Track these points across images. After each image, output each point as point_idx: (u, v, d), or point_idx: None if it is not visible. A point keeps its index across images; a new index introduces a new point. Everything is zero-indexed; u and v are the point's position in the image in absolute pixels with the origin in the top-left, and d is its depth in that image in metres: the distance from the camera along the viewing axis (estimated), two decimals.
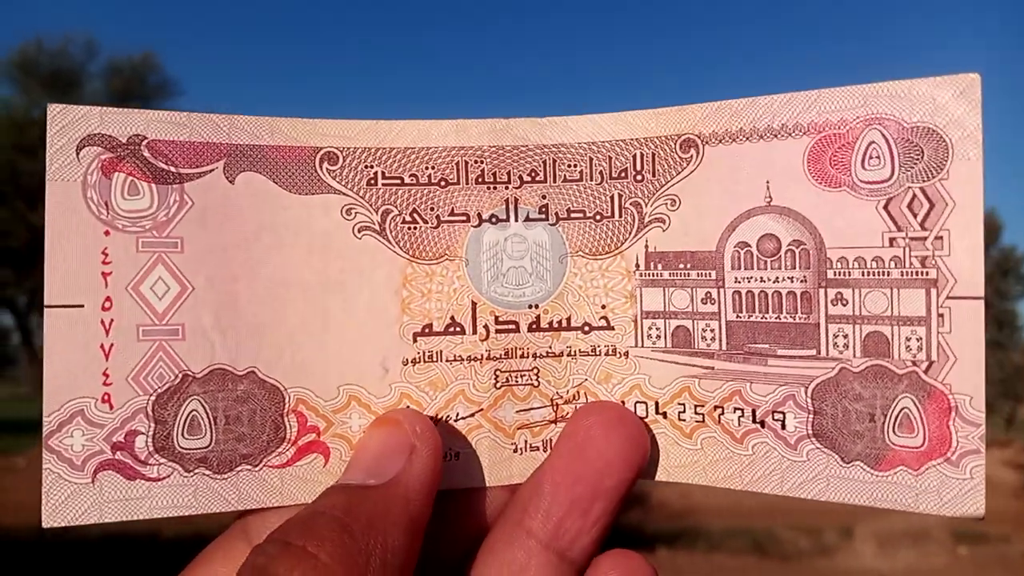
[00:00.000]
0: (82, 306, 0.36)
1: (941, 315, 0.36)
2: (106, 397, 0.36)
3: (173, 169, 0.38)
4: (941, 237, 0.36)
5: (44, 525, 0.36)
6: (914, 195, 0.36)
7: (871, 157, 0.37)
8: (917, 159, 0.36)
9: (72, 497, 0.36)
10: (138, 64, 10.17)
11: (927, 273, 0.36)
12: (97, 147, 0.37)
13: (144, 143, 0.37)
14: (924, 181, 0.36)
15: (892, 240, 0.36)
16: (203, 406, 0.37)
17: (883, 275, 0.37)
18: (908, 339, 0.36)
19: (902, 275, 0.36)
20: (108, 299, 0.37)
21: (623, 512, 0.38)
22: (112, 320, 0.37)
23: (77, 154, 0.37)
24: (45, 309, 0.36)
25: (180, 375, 0.37)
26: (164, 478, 0.37)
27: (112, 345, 0.37)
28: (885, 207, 0.36)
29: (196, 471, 0.37)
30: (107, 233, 0.37)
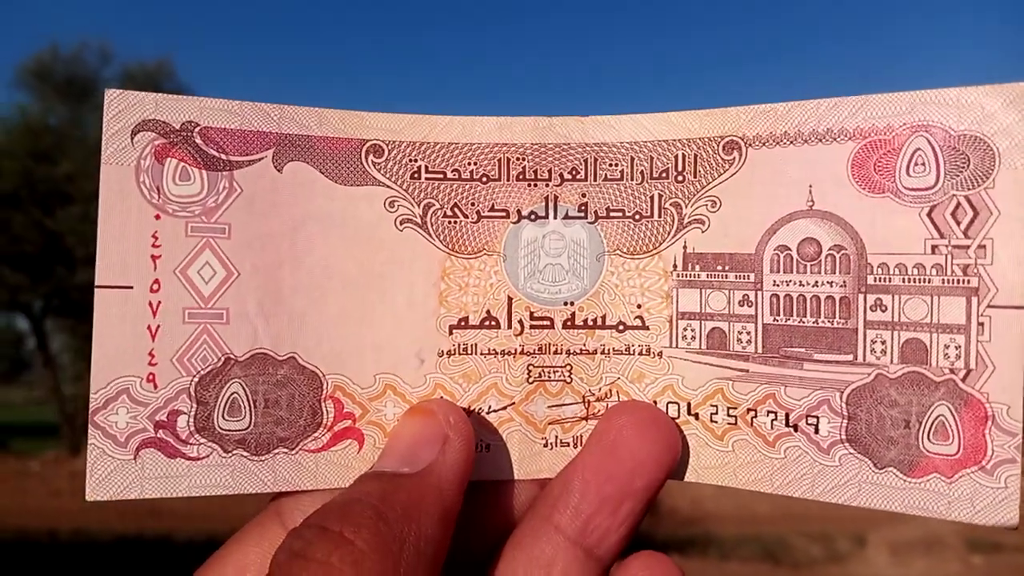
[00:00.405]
0: (131, 287, 0.37)
1: (981, 324, 0.35)
2: (151, 377, 0.37)
3: (224, 156, 0.39)
4: (984, 246, 0.35)
5: (88, 498, 0.37)
6: (958, 203, 0.36)
7: (916, 164, 0.36)
8: (963, 167, 0.36)
9: (115, 472, 0.37)
10: (153, 71, 10.32)
11: (968, 281, 0.36)
12: (151, 132, 0.38)
13: (196, 130, 0.38)
14: (969, 189, 0.35)
15: (934, 247, 0.36)
16: (244, 389, 0.38)
17: (924, 282, 0.37)
18: (947, 347, 0.36)
19: (943, 282, 0.36)
20: (156, 281, 0.38)
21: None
22: (160, 302, 0.38)
23: (132, 139, 0.38)
24: (96, 289, 0.37)
25: (223, 358, 0.38)
26: (203, 458, 0.38)
27: (159, 326, 0.38)
28: (928, 214, 0.36)
29: (234, 452, 0.38)
30: (158, 217, 0.38)
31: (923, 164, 0.36)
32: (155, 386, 0.37)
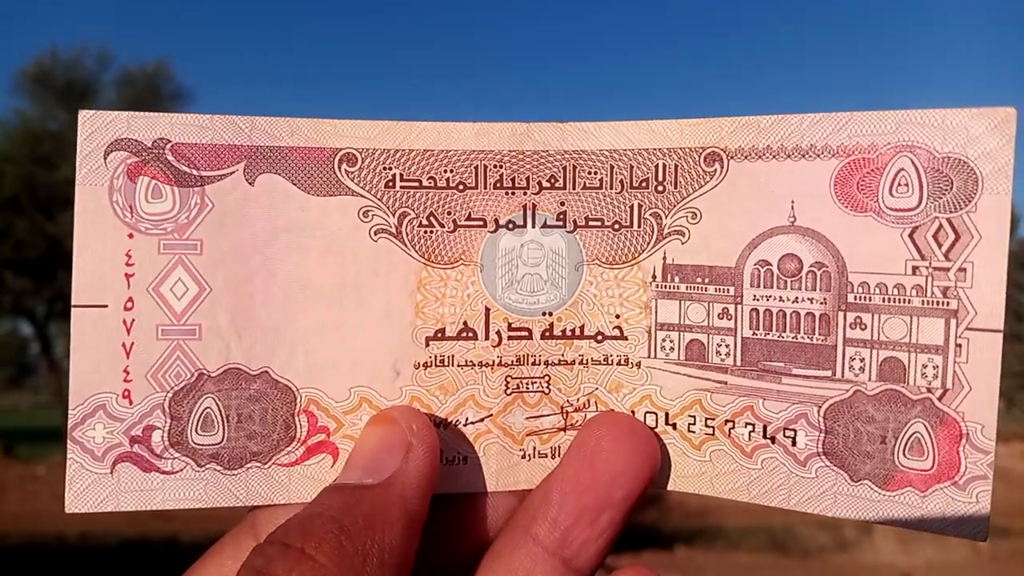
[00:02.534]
0: (106, 306, 0.37)
1: (959, 345, 0.35)
2: (126, 393, 0.38)
3: (195, 172, 0.38)
4: (964, 269, 0.35)
5: (67, 511, 0.38)
6: (940, 225, 0.35)
7: (899, 184, 0.36)
8: (946, 189, 0.35)
9: (93, 486, 0.37)
10: (151, 73, 10.13)
11: (948, 303, 0.36)
12: (124, 151, 0.38)
13: (168, 146, 0.38)
14: (951, 212, 0.35)
15: (915, 268, 0.36)
16: (217, 404, 0.38)
17: (904, 302, 0.36)
18: (924, 366, 0.36)
19: (923, 303, 0.36)
20: (130, 299, 0.38)
21: (640, 511, 0.38)
22: (133, 320, 0.38)
23: (105, 159, 0.38)
24: (72, 309, 0.37)
25: (196, 373, 0.38)
26: (177, 472, 0.38)
27: (133, 344, 0.38)
28: (910, 235, 0.36)
29: (208, 466, 0.38)
30: (131, 236, 0.38)
31: (906, 185, 0.36)
32: (130, 402, 0.38)
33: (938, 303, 0.36)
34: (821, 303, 0.38)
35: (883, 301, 0.37)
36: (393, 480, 0.35)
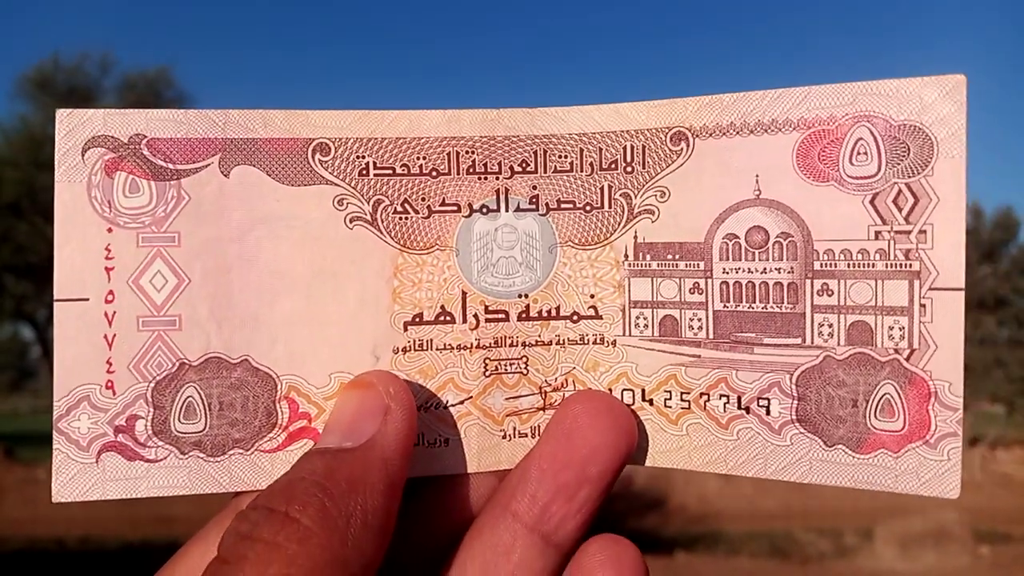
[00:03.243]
0: (87, 299, 0.38)
1: (923, 305, 0.36)
2: (109, 384, 0.38)
3: (171, 166, 0.39)
4: (925, 231, 0.36)
5: (54, 500, 0.38)
6: (899, 190, 0.36)
7: (859, 153, 0.37)
8: (903, 156, 0.36)
9: (78, 475, 0.38)
10: (152, 79, 10.17)
11: (910, 265, 0.37)
12: (101, 148, 0.38)
13: (144, 142, 0.39)
14: (909, 177, 0.36)
15: (877, 233, 0.37)
16: (198, 392, 0.39)
17: (868, 267, 0.37)
18: (891, 328, 0.37)
19: (886, 267, 0.37)
20: (111, 292, 0.38)
21: (640, 516, 0.39)
22: (115, 312, 0.38)
23: (83, 156, 0.38)
24: (55, 303, 0.38)
25: (177, 363, 0.39)
26: (161, 460, 0.39)
27: (115, 335, 0.38)
28: (871, 201, 0.37)
29: (191, 454, 0.39)
30: (110, 230, 0.38)
31: (865, 153, 0.37)
32: (114, 392, 0.38)
33: (901, 265, 0.37)
34: (788, 272, 0.39)
35: (848, 267, 0.38)
36: (373, 443, 0.35)
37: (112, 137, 0.38)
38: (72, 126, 0.38)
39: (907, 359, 0.37)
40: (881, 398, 0.37)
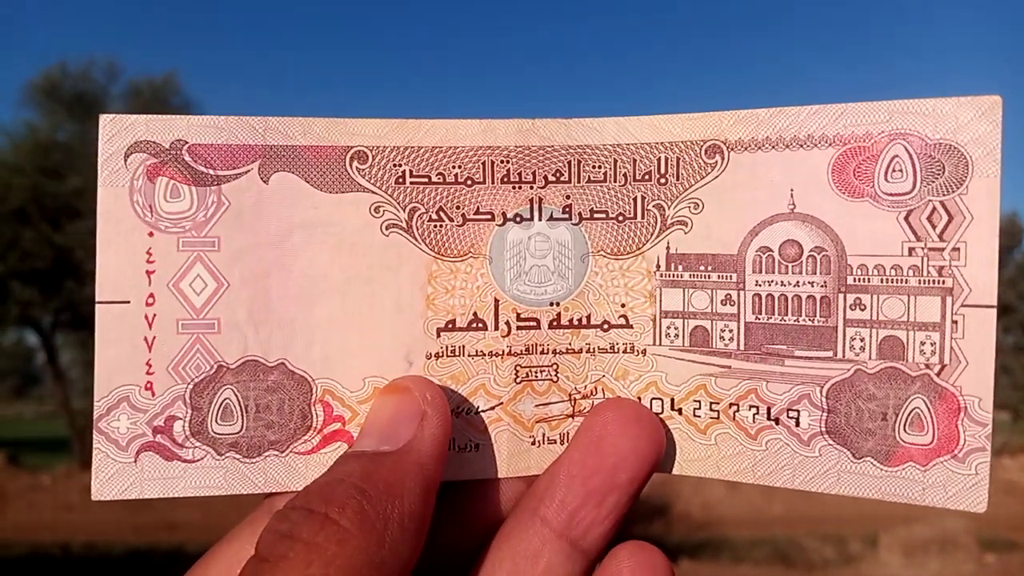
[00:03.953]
0: (128, 302, 0.39)
1: (955, 322, 0.37)
2: (149, 385, 0.39)
3: (211, 172, 0.39)
4: (958, 248, 0.37)
5: (93, 498, 0.39)
6: (934, 208, 0.37)
7: (894, 170, 0.37)
8: (938, 174, 0.37)
9: (117, 474, 0.39)
10: (159, 86, 10.19)
11: (943, 282, 0.37)
12: (143, 153, 0.39)
13: (185, 148, 0.39)
14: (944, 195, 0.37)
15: (911, 250, 0.37)
16: (236, 395, 0.39)
17: (901, 282, 0.38)
18: (923, 343, 0.37)
19: (919, 283, 0.37)
20: (151, 295, 0.39)
21: (646, 524, 0.39)
22: (155, 315, 0.39)
23: (125, 161, 0.39)
24: (96, 305, 0.39)
25: (215, 366, 0.39)
26: (198, 460, 0.39)
27: (155, 338, 0.39)
28: (906, 218, 0.37)
29: (227, 455, 0.39)
30: (151, 234, 0.39)
31: (900, 170, 0.37)
32: (153, 394, 0.39)
33: (934, 282, 0.37)
34: (821, 286, 0.39)
35: (881, 282, 0.38)
36: (410, 447, 0.36)
37: (154, 143, 0.39)
38: (115, 131, 0.39)
39: (938, 374, 0.37)
40: (911, 412, 0.38)
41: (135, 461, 0.39)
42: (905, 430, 0.38)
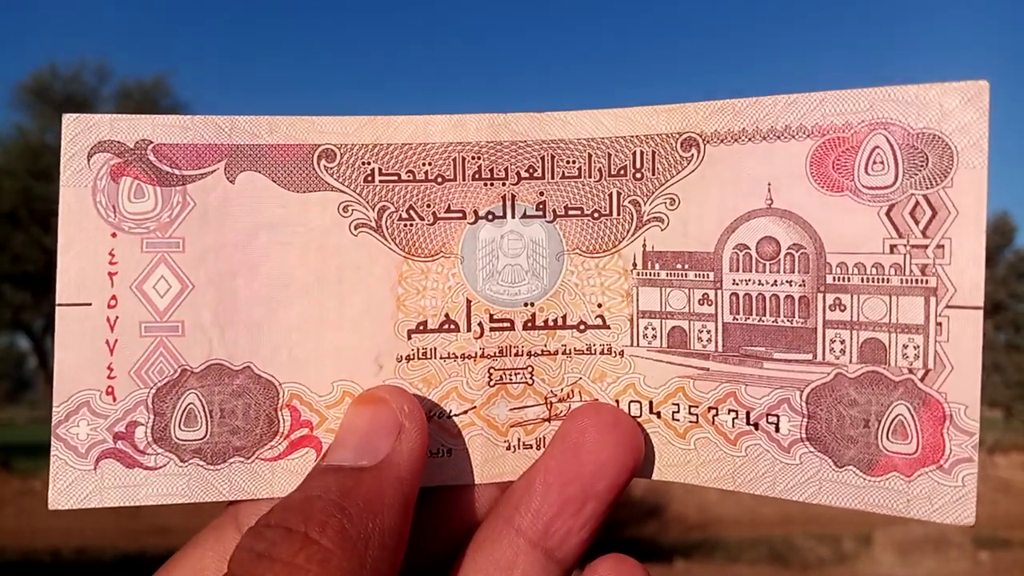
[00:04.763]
0: (90, 304, 0.38)
1: (940, 324, 0.35)
2: (110, 389, 0.38)
3: (176, 171, 0.39)
4: (942, 246, 0.35)
5: (50, 507, 0.38)
6: (917, 202, 0.35)
7: (875, 162, 0.36)
8: (921, 166, 0.35)
9: (76, 482, 0.38)
10: (149, 88, 10.24)
11: (927, 281, 0.35)
12: (107, 153, 0.38)
13: (150, 147, 0.38)
14: (927, 188, 0.35)
15: (893, 247, 0.36)
16: (200, 399, 0.38)
17: (882, 282, 0.36)
18: (905, 346, 0.36)
19: (902, 282, 0.36)
20: (114, 297, 0.38)
21: (638, 525, 0.38)
22: (117, 317, 0.38)
23: (88, 161, 0.38)
24: (57, 307, 0.38)
25: (179, 369, 0.38)
26: (160, 467, 0.38)
27: (116, 341, 0.38)
28: (887, 213, 0.36)
29: (191, 461, 0.38)
30: (114, 235, 0.38)
31: (882, 162, 0.36)
32: (114, 399, 0.38)
33: (917, 281, 0.36)
34: (800, 285, 0.38)
35: (862, 281, 0.37)
36: (389, 462, 0.35)
37: (118, 142, 0.38)
38: (78, 131, 0.38)
39: (921, 379, 0.35)
40: (894, 419, 0.36)
41: (95, 468, 0.38)
42: (888, 438, 0.36)
